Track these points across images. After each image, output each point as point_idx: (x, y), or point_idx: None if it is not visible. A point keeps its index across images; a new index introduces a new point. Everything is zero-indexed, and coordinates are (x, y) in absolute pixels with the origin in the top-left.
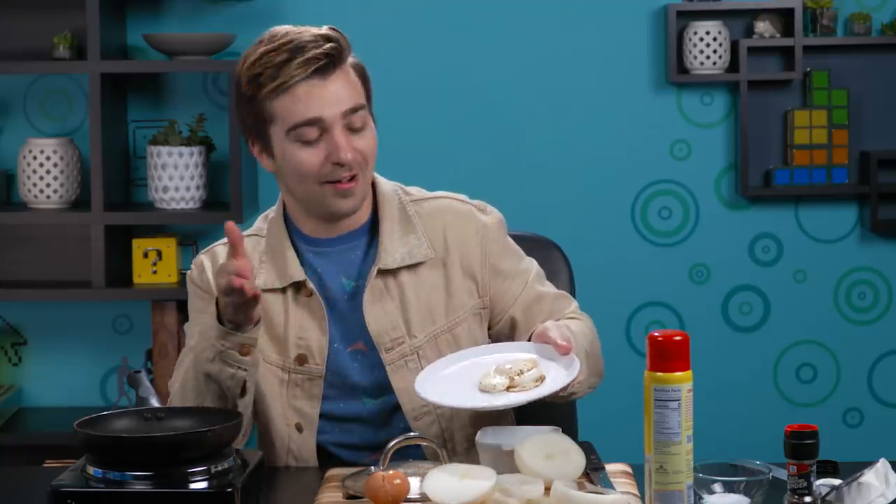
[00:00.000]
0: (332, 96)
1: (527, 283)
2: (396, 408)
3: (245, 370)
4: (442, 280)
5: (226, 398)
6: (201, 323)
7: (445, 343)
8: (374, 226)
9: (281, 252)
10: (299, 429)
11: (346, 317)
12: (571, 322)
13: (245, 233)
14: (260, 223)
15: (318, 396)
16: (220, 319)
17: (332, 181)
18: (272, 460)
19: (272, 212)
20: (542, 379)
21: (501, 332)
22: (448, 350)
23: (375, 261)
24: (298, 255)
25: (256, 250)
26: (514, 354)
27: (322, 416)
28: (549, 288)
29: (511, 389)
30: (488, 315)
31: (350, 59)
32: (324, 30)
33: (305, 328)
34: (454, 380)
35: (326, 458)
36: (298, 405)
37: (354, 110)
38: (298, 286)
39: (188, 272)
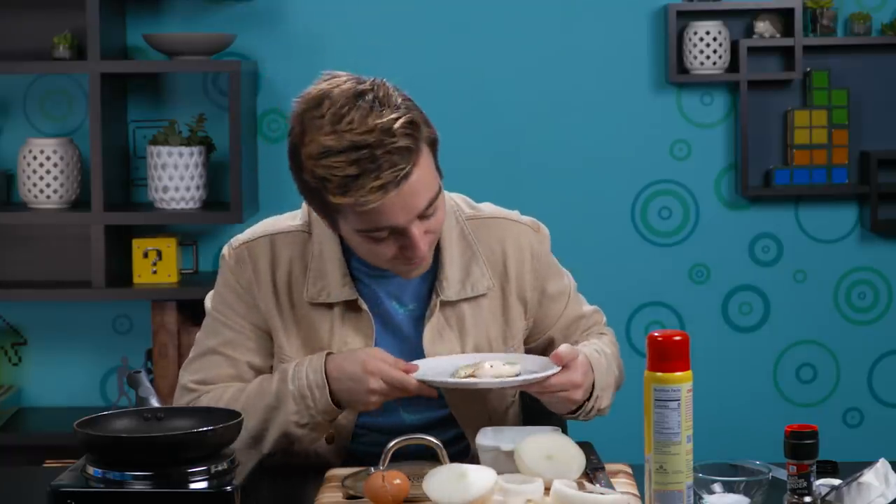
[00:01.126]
0: (406, 203)
1: (567, 303)
2: (443, 420)
3: (325, 433)
4: (500, 308)
5: (283, 446)
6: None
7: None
8: (437, 249)
9: (333, 266)
10: (329, 440)
11: (400, 337)
12: (604, 345)
13: (288, 226)
14: (302, 216)
15: (356, 409)
16: (333, 398)
17: (402, 263)
18: (291, 458)
19: None
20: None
21: (536, 349)
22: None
23: (436, 290)
24: (351, 271)
25: (304, 251)
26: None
27: (358, 426)
28: (585, 305)
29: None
30: (527, 334)
31: (425, 139)
32: (398, 132)
33: (350, 343)
34: (438, 366)
35: (356, 463)
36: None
37: (431, 203)
38: (349, 304)
39: (226, 257)
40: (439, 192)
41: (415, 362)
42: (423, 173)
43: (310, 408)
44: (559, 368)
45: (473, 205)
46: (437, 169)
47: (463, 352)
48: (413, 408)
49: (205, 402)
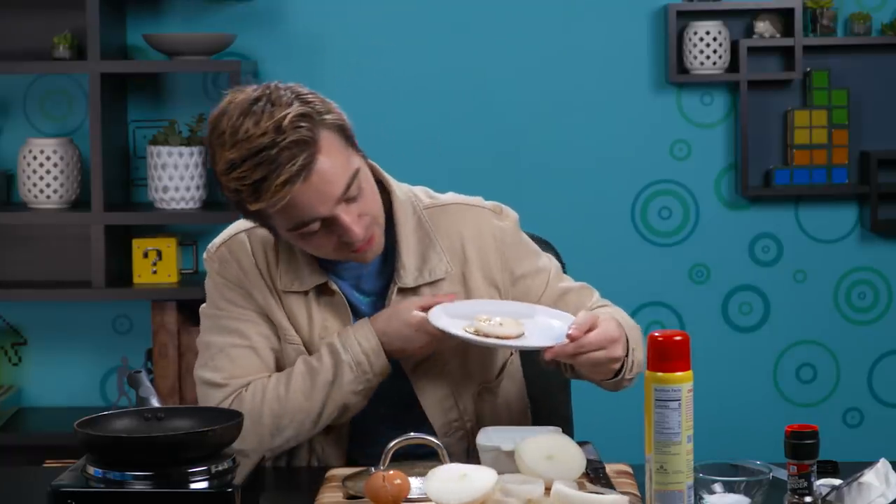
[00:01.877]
0: (320, 192)
1: (548, 280)
2: (422, 419)
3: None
4: (462, 293)
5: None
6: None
7: (474, 355)
8: (388, 235)
9: (295, 255)
10: (326, 430)
11: None
12: (616, 312)
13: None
14: None
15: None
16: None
17: (346, 250)
18: (292, 458)
19: None
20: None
21: None
22: (477, 361)
23: (394, 279)
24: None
25: (275, 244)
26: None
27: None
28: (571, 282)
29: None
30: None
31: (324, 128)
32: (287, 126)
33: (329, 328)
34: (467, 311)
35: (351, 463)
36: None
37: (348, 187)
38: (321, 288)
39: (210, 261)
40: (357, 173)
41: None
42: (330, 160)
43: (366, 373)
44: (584, 330)
45: (433, 194)
46: (355, 150)
47: None
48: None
49: (248, 398)
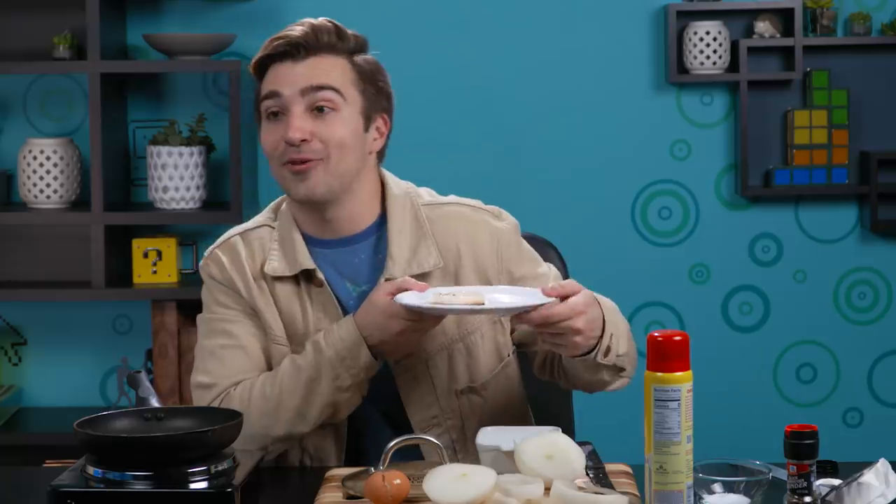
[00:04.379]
0: (296, 75)
1: (549, 283)
2: (405, 419)
3: (361, 396)
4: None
5: (325, 420)
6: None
7: (459, 354)
8: (381, 228)
9: (290, 240)
10: (319, 427)
11: None
12: (606, 300)
13: (255, 223)
14: (269, 213)
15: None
16: (372, 353)
17: (287, 161)
18: (283, 457)
19: (284, 203)
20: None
21: (524, 335)
22: (462, 363)
23: (382, 269)
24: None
25: (269, 240)
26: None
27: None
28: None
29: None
30: (509, 321)
31: (345, 53)
32: (320, 20)
33: (323, 324)
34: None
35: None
36: None
37: (317, 88)
38: (308, 276)
39: (204, 266)
40: (340, 95)
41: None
42: (327, 67)
43: (350, 368)
44: (551, 299)
45: (434, 194)
46: (368, 105)
47: None
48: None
49: (236, 397)
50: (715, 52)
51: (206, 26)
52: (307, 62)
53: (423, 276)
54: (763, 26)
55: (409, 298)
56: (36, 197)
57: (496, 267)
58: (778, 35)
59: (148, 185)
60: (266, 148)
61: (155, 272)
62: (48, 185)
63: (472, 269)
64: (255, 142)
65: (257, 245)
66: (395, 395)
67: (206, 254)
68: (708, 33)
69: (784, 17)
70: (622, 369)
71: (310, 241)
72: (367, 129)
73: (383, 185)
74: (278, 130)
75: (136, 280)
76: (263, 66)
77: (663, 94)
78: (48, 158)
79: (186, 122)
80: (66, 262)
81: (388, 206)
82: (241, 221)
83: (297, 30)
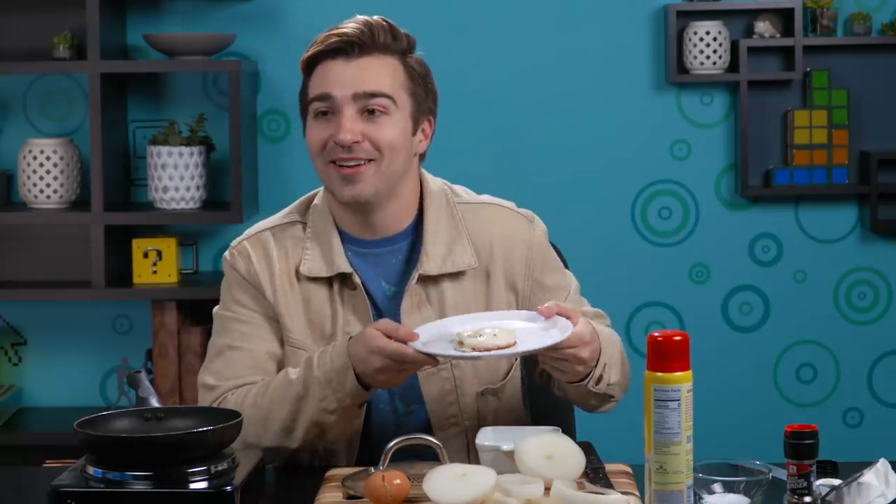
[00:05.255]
0: (348, 77)
1: (566, 298)
2: (426, 423)
3: (352, 423)
4: (483, 290)
5: (313, 439)
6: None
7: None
8: (419, 227)
9: (327, 239)
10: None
11: (389, 316)
12: (610, 333)
13: (284, 219)
14: (296, 209)
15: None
16: (360, 381)
17: (334, 162)
18: (293, 455)
19: (316, 199)
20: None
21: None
22: (485, 363)
23: (417, 266)
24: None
25: (300, 238)
26: (509, 323)
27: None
28: (587, 306)
29: (463, 348)
30: None
31: (398, 54)
32: (375, 18)
33: (350, 322)
34: (438, 333)
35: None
36: None
37: (371, 95)
38: (344, 278)
39: (229, 258)
40: (393, 102)
41: (418, 329)
42: (381, 68)
43: (336, 392)
44: (563, 337)
45: (471, 193)
46: (419, 106)
47: None
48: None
49: (231, 402)
50: (715, 52)
51: (206, 26)
52: (360, 62)
53: (457, 275)
54: (763, 26)
55: (436, 347)
56: (36, 197)
57: (524, 273)
58: (778, 35)
59: (148, 185)
60: (313, 146)
61: (155, 272)
62: (48, 185)
63: (502, 270)
64: (255, 142)
65: (290, 242)
66: (413, 392)
67: (232, 244)
68: (708, 33)
69: (784, 17)
70: (611, 396)
71: (348, 239)
72: (414, 132)
73: (421, 182)
74: (327, 129)
75: (136, 280)
76: (313, 61)
77: (663, 94)
78: (48, 158)
79: (186, 122)
80: (66, 262)
81: (426, 203)
82: (241, 221)
83: (350, 27)
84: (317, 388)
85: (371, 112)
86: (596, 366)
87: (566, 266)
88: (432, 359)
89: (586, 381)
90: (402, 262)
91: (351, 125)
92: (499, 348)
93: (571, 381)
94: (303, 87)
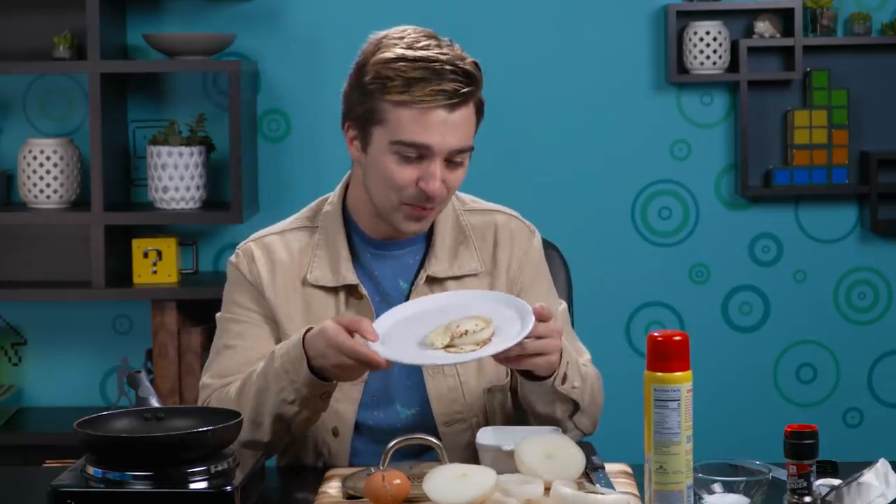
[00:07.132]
0: (448, 130)
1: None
2: (431, 421)
3: (320, 413)
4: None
5: (282, 432)
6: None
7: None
8: (431, 230)
9: (336, 250)
10: (335, 433)
11: None
12: (590, 369)
13: (292, 225)
14: (306, 215)
15: (356, 400)
16: (314, 372)
17: (412, 203)
18: (301, 459)
19: (328, 204)
20: (485, 342)
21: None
22: (485, 362)
23: (424, 265)
24: (354, 253)
25: (310, 241)
26: (478, 309)
27: (358, 425)
28: (571, 332)
29: (449, 349)
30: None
31: (478, 96)
32: (467, 62)
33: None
34: (405, 328)
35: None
36: (337, 407)
37: (462, 151)
38: (350, 288)
39: (233, 260)
40: (471, 151)
41: (380, 318)
42: (469, 120)
43: (293, 382)
44: (530, 326)
45: (476, 199)
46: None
47: None
48: (406, 401)
49: (215, 399)
50: (715, 52)
51: (206, 26)
52: (458, 114)
53: (462, 279)
54: (763, 26)
55: (408, 355)
56: (36, 197)
57: (516, 277)
58: (778, 35)
59: (148, 185)
60: (393, 183)
61: (155, 272)
62: (48, 185)
63: (504, 276)
64: (255, 142)
65: (297, 248)
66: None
67: (239, 246)
68: (708, 33)
69: (784, 17)
70: (577, 406)
71: (369, 241)
72: None
73: None
74: (415, 172)
75: (136, 280)
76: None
77: (663, 94)
78: (48, 158)
79: (186, 122)
80: (66, 262)
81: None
82: (241, 221)
83: (449, 76)
84: (275, 379)
85: (454, 162)
86: (560, 362)
87: (566, 268)
88: (388, 364)
89: (552, 378)
90: (418, 262)
91: (441, 176)
92: (483, 343)
93: (546, 374)
94: (375, 109)
